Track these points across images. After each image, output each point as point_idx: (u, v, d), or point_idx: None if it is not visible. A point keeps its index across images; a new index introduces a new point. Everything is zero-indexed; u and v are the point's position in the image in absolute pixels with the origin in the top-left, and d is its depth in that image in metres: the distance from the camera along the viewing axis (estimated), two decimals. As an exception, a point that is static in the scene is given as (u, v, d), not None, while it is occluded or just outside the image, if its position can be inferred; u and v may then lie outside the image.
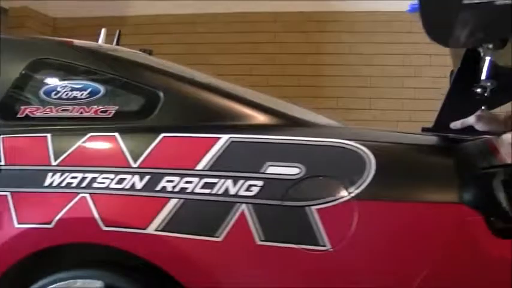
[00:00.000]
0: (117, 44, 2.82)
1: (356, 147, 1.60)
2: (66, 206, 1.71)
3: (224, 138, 1.69)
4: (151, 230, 1.62)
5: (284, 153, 1.65)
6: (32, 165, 1.83)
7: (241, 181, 1.61)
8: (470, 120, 1.87)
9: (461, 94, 1.92)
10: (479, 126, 1.87)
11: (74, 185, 1.73)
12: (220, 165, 1.65)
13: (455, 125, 1.89)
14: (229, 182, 1.61)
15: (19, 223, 1.75)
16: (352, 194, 1.54)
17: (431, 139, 1.70)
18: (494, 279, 1.50)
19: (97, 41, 2.77)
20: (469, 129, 1.87)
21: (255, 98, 1.99)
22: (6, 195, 1.79)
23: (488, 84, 1.82)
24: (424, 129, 1.86)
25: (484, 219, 1.52)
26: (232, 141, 1.68)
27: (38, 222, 1.73)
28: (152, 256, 1.63)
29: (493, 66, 1.68)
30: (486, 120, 1.89)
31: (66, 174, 1.76)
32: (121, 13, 5.92)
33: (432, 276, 1.50)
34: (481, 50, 1.84)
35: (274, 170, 1.61)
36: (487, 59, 1.89)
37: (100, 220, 1.66)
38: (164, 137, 1.75)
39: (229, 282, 1.59)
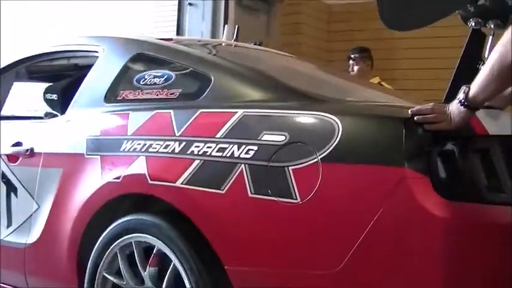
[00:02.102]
0: (236, 39, 3.31)
1: (331, 118, 1.90)
2: (130, 166, 2.26)
3: (239, 113, 2.10)
4: (178, 183, 2.09)
5: (276, 124, 2.01)
6: (115, 136, 2.41)
7: (243, 146, 2.01)
8: None
9: (468, 71, 2.10)
10: None
11: (137, 149, 2.27)
12: (232, 134, 2.06)
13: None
14: (235, 147, 2.02)
15: (102, 178, 2.34)
16: (320, 157, 1.86)
17: (397, 111, 1.93)
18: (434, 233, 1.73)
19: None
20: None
21: (281, 77, 2.36)
22: (97, 158, 2.40)
23: None
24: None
25: (430, 181, 1.75)
26: (245, 115, 2.09)
27: (113, 178, 2.30)
28: (177, 203, 2.10)
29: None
30: None
31: (135, 141, 2.30)
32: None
33: (379, 227, 1.76)
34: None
35: (267, 137, 1.98)
36: (490, 38, 2.07)
37: (147, 176, 2.18)
38: (201, 112, 2.21)
39: (229, 226, 2.01)
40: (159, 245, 2.13)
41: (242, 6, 6.13)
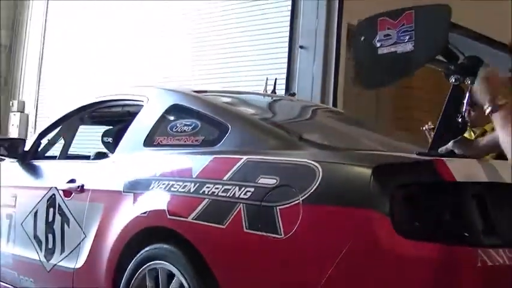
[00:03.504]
0: (273, 91, 3.65)
1: (313, 165, 2.20)
2: (154, 202, 2.62)
3: (244, 158, 2.42)
4: (190, 218, 2.43)
5: (270, 169, 2.33)
6: (145, 176, 2.78)
7: (243, 187, 2.33)
8: (450, 146, 2.32)
9: (449, 123, 2.36)
10: (457, 151, 2.31)
11: (162, 188, 2.63)
12: (236, 177, 2.39)
13: (441, 150, 2.35)
14: (237, 188, 2.35)
15: (133, 213, 2.71)
16: (302, 199, 2.15)
17: (370, 159, 2.19)
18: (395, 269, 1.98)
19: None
20: (452, 153, 2.32)
21: (288, 127, 2.67)
22: (131, 195, 2.78)
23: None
24: (419, 153, 2.33)
25: (391, 222, 2.01)
26: (248, 160, 2.41)
27: (141, 212, 2.67)
28: (188, 235, 2.44)
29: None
30: (461, 146, 2.31)
31: (161, 182, 2.67)
32: None
33: (346, 260, 2.03)
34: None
35: (263, 180, 2.29)
36: (467, 94, 2.33)
37: (167, 211, 2.53)
38: (214, 157, 2.56)
39: (226, 255, 2.33)
40: (173, 270, 2.46)
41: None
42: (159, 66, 8.07)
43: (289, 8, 6.52)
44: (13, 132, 10.58)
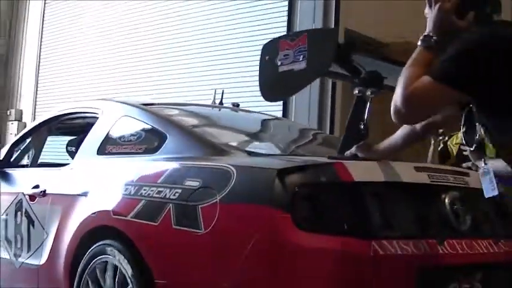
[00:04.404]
0: (221, 102, 4.00)
1: (230, 168, 2.54)
2: (102, 204, 2.97)
3: (175, 164, 2.77)
4: (129, 217, 2.77)
5: (194, 172, 2.67)
6: (96, 181, 3.13)
7: (173, 189, 2.67)
8: (353, 150, 2.66)
9: (353, 129, 2.71)
10: (359, 154, 2.65)
11: (108, 191, 2.98)
12: (167, 180, 2.73)
13: (347, 153, 2.69)
14: (167, 190, 2.69)
15: (85, 213, 3.05)
16: (219, 198, 2.49)
17: (278, 162, 2.54)
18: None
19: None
20: (355, 156, 2.66)
21: (217, 136, 3.02)
22: (84, 198, 3.12)
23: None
24: (329, 157, 2.67)
25: (291, 217, 2.34)
26: (178, 166, 2.76)
27: (91, 213, 3.02)
28: (127, 232, 2.78)
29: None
30: (363, 150, 2.66)
31: (107, 185, 3.02)
32: None
33: (253, 251, 2.37)
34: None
35: (188, 182, 2.64)
36: (368, 103, 2.68)
37: (111, 212, 2.88)
38: (151, 163, 2.91)
39: (157, 249, 2.66)
40: (117, 263, 2.80)
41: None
42: (155, 77, 8.16)
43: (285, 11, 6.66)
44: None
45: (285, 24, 6.53)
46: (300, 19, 6.42)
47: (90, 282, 2.92)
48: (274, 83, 2.49)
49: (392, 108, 2.03)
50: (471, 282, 2.57)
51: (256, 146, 3.10)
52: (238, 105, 3.72)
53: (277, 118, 4.18)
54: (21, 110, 10.96)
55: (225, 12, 7.37)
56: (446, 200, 2.64)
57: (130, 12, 8.81)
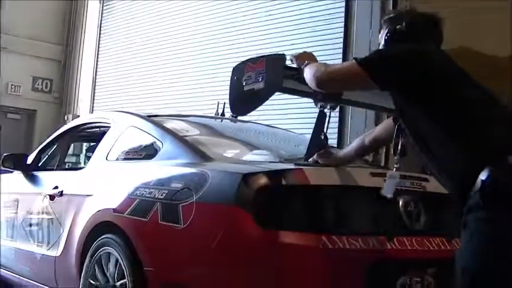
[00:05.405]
0: (222, 113, 4.43)
1: (206, 173, 2.96)
2: (106, 203, 3.43)
3: (165, 168, 3.21)
4: (126, 214, 3.22)
5: (178, 176, 3.10)
6: (103, 182, 3.60)
7: (161, 190, 3.10)
8: (315, 157, 3.06)
9: (316, 139, 3.10)
10: (320, 161, 3.04)
11: (112, 191, 3.44)
12: (157, 182, 3.17)
13: (310, 160, 3.09)
14: (157, 191, 3.12)
15: (92, 211, 3.52)
16: (195, 198, 2.91)
17: (247, 168, 2.94)
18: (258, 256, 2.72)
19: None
20: (317, 163, 3.05)
21: (203, 145, 3.44)
22: (93, 197, 3.59)
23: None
24: (296, 164, 3.07)
25: (252, 217, 2.74)
26: (167, 170, 3.20)
27: (97, 211, 3.48)
28: (123, 227, 3.22)
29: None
30: (324, 157, 3.04)
31: (112, 186, 3.48)
32: None
33: (218, 246, 2.77)
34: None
35: (173, 184, 3.07)
36: (328, 117, 3.07)
37: (112, 209, 3.33)
38: (147, 168, 3.35)
39: (146, 241, 3.09)
40: (115, 254, 3.25)
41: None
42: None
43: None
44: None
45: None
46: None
47: (97, 269, 3.37)
48: (241, 99, 2.92)
49: (313, 73, 2.55)
50: (422, 276, 2.88)
51: (241, 154, 3.52)
52: (236, 117, 4.12)
53: (272, 127, 4.59)
54: (78, 116, 11.13)
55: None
56: (400, 202, 2.98)
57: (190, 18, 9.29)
